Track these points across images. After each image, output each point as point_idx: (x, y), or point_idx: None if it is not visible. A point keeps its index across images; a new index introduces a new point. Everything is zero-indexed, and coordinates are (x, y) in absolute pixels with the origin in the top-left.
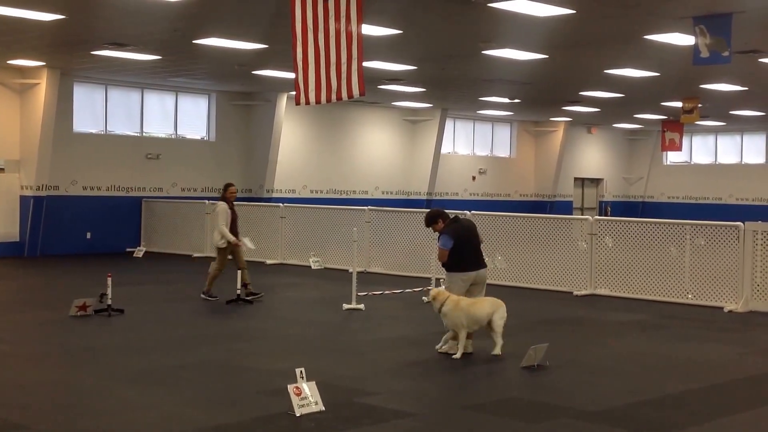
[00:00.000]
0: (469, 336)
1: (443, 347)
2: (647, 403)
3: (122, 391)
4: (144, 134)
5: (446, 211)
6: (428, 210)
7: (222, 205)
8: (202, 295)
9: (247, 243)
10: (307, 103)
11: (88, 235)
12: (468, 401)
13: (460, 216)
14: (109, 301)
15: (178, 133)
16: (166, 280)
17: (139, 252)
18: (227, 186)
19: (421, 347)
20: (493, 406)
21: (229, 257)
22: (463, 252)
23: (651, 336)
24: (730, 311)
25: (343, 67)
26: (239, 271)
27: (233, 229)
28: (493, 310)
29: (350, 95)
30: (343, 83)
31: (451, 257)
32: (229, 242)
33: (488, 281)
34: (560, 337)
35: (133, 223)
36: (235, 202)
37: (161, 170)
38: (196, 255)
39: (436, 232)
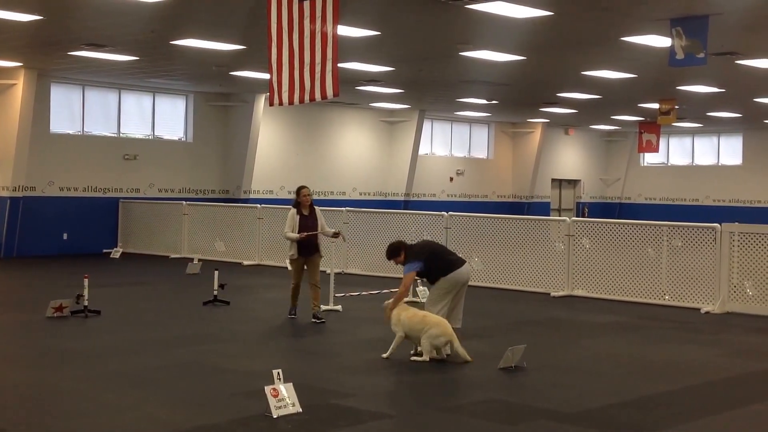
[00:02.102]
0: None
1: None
2: (624, 404)
3: (99, 393)
4: (121, 135)
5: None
6: (390, 244)
7: (290, 212)
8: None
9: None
10: (281, 103)
11: (65, 236)
12: (445, 403)
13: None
14: (86, 303)
15: (156, 133)
16: (142, 281)
17: (116, 253)
18: (298, 190)
19: (399, 348)
20: (471, 407)
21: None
22: (435, 261)
23: (628, 337)
24: (706, 312)
25: (318, 68)
26: (309, 287)
27: (309, 242)
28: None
29: (324, 96)
30: (317, 84)
31: (427, 273)
32: (299, 254)
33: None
34: (537, 339)
35: (110, 224)
36: (215, 203)
37: (138, 171)
38: (173, 256)
39: (398, 264)
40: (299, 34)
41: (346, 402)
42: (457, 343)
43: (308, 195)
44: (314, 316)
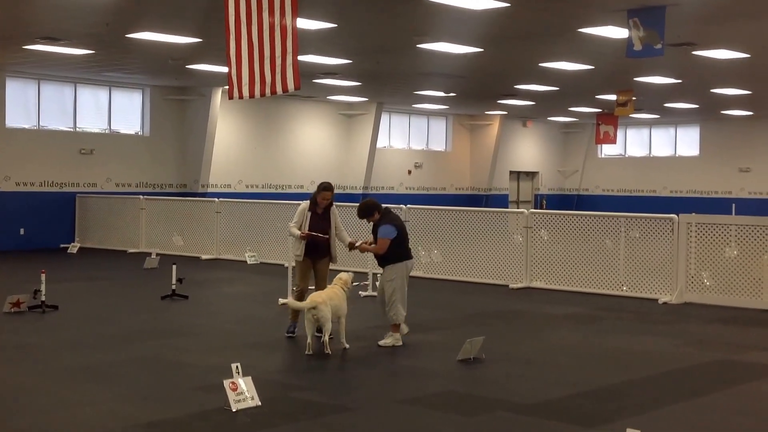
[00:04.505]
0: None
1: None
2: (583, 395)
3: (57, 389)
4: (77, 129)
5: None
6: (363, 201)
7: (301, 205)
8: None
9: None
10: (241, 97)
11: (22, 231)
12: (405, 395)
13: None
14: (43, 298)
15: (112, 128)
16: (100, 276)
17: (74, 248)
18: (321, 189)
19: (358, 341)
20: (430, 399)
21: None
22: (403, 242)
23: (586, 328)
24: (664, 303)
25: (278, 61)
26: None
27: (319, 245)
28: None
29: (285, 89)
30: (278, 77)
31: (393, 248)
32: (307, 255)
33: (425, 275)
34: (496, 330)
35: (67, 219)
36: (172, 197)
37: (95, 165)
38: (131, 251)
39: (370, 223)
40: (258, 27)
41: (306, 395)
42: (327, 326)
43: (327, 200)
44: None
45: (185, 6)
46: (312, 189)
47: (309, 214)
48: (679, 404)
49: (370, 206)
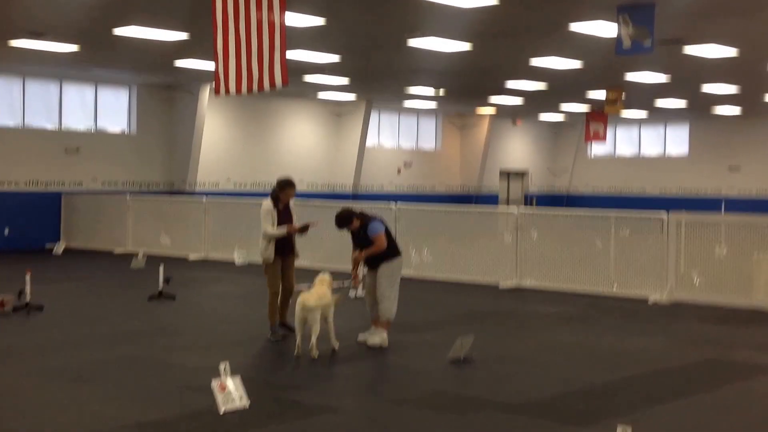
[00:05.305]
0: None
1: (368, 339)
2: (573, 394)
3: (43, 389)
4: (63, 128)
5: (361, 206)
6: (338, 212)
7: (265, 205)
8: (270, 338)
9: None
10: (228, 92)
11: (6, 231)
12: (394, 395)
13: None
14: (28, 298)
15: (98, 126)
16: (86, 276)
17: (59, 248)
18: (283, 185)
19: (347, 341)
20: (419, 399)
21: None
22: (392, 238)
23: (576, 327)
24: (654, 302)
25: (266, 57)
26: (282, 292)
27: (286, 240)
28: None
29: (272, 85)
30: (266, 73)
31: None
32: (276, 254)
33: (415, 275)
34: (486, 330)
35: (53, 219)
36: (158, 194)
37: (81, 164)
38: (117, 251)
39: (351, 230)
40: (246, 23)
41: (294, 395)
42: (316, 327)
43: (291, 197)
44: (286, 325)
45: (173, 1)
46: (302, 187)
47: (275, 211)
48: (669, 403)
49: (348, 215)
